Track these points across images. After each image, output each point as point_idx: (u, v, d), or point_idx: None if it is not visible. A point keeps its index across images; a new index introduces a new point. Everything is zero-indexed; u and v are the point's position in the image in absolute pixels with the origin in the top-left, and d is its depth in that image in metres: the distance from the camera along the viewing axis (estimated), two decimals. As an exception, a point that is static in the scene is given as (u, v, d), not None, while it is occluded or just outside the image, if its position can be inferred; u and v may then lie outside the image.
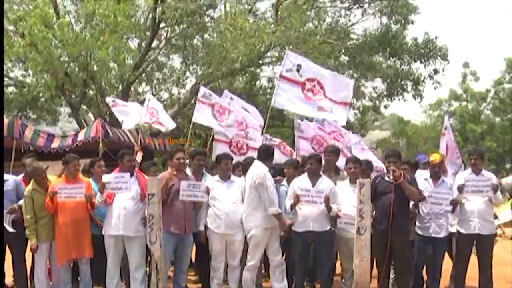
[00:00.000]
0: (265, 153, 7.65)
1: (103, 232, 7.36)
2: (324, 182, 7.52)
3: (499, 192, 7.59)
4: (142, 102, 12.96)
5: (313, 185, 7.44)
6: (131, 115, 12.01)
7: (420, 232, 7.68)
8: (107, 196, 7.22)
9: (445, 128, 10.38)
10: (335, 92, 9.36)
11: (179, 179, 7.44)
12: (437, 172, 7.76)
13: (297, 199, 7.35)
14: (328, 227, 7.43)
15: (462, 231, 7.65)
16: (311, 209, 7.39)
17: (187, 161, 8.32)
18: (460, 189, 7.47)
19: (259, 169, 7.40)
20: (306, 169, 7.73)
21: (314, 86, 8.99)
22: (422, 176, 7.91)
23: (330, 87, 9.31)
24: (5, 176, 7.65)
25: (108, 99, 12.86)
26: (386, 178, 7.44)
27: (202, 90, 10.49)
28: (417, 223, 7.70)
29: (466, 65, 35.99)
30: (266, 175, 7.33)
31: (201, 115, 10.34)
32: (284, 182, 8.05)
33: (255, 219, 7.36)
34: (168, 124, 11.40)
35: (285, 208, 7.69)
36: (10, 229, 7.25)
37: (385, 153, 8.30)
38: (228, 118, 10.18)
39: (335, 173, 8.24)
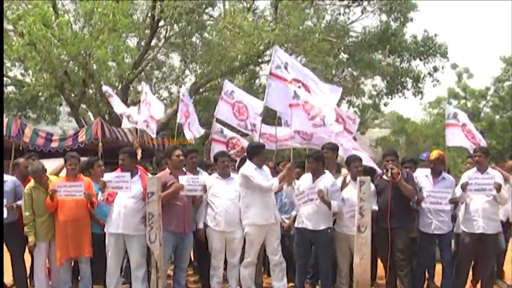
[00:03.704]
0: (252, 151, 7.69)
1: (105, 230, 7.35)
2: (325, 179, 7.50)
3: (503, 191, 7.39)
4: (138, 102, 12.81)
5: (314, 182, 7.47)
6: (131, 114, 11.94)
7: (423, 230, 7.67)
8: (108, 195, 7.21)
9: (451, 117, 9.55)
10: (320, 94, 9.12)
11: (177, 178, 7.42)
12: (437, 169, 7.73)
13: (299, 202, 7.45)
14: (324, 226, 7.41)
15: (466, 230, 7.59)
16: (306, 207, 7.44)
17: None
18: (464, 187, 7.39)
19: (242, 169, 7.53)
20: (307, 167, 7.76)
21: (299, 87, 8.73)
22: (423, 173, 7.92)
23: (315, 89, 9.04)
24: (4, 177, 7.63)
25: (105, 88, 12.74)
26: (384, 177, 7.49)
27: (226, 87, 10.55)
28: (419, 221, 7.69)
29: (454, 66, 35.85)
30: (250, 171, 7.41)
31: (223, 112, 10.34)
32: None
33: (248, 217, 7.43)
34: (158, 114, 11.21)
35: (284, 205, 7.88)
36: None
37: (383, 152, 8.33)
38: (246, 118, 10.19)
39: (336, 171, 8.19)
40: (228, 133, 10.63)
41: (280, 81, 8.68)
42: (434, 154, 7.80)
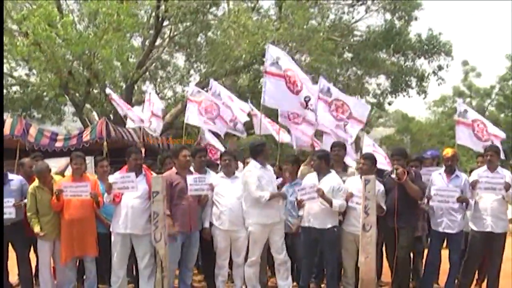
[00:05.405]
0: (255, 150, 7.67)
1: (111, 229, 7.36)
2: (329, 178, 7.47)
3: (511, 190, 7.36)
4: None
5: (319, 181, 7.44)
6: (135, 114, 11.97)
7: (433, 228, 7.68)
8: (115, 196, 7.22)
9: (462, 115, 9.43)
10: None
11: (183, 178, 7.44)
12: (450, 166, 7.67)
13: (300, 199, 7.42)
14: (330, 225, 7.37)
15: (475, 228, 7.58)
16: (311, 205, 7.41)
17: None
18: (473, 185, 7.40)
19: (246, 168, 7.52)
20: (312, 166, 7.74)
21: (293, 76, 8.78)
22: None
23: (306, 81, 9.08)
24: (10, 176, 7.68)
25: (108, 90, 12.80)
26: (393, 176, 7.44)
27: (191, 88, 10.54)
28: (431, 219, 7.70)
29: (465, 63, 35.94)
30: (252, 172, 7.41)
31: (192, 115, 10.34)
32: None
33: (251, 216, 7.42)
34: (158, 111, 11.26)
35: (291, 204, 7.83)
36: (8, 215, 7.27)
37: (391, 152, 8.27)
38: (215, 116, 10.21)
39: (342, 169, 8.12)
40: (208, 138, 10.69)
41: (275, 78, 8.73)
42: (450, 152, 7.77)
